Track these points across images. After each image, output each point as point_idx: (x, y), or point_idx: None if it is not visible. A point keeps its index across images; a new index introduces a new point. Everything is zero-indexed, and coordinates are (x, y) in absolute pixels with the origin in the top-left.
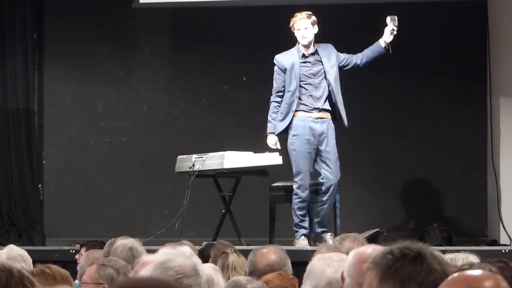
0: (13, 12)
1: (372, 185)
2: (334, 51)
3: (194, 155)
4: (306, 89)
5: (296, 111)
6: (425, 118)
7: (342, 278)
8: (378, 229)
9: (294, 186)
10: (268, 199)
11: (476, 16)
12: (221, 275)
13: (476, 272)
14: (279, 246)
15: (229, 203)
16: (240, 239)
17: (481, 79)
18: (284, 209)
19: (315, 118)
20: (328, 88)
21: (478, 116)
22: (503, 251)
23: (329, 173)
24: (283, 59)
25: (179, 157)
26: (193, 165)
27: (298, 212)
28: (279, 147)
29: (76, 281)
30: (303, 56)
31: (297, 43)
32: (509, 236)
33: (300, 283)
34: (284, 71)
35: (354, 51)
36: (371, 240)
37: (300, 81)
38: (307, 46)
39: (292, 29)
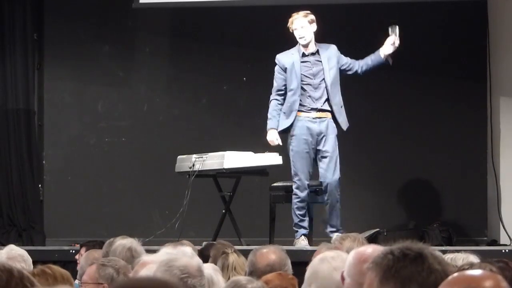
0: (13, 12)
1: (372, 185)
2: (336, 53)
3: (194, 155)
4: (305, 90)
5: (297, 111)
6: (425, 118)
7: (342, 278)
8: (378, 229)
9: (294, 186)
10: (268, 199)
11: (476, 16)
12: (221, 275)
13: (476, 272)
14: (279, 246)
15: (229, 203)
16: (240, 239)
17: (481, 79)
18: (284, 209)
19: (313, 118)
20: (326, 89)
21: (478, 116)
22: (503, 251)
23: (325, 172)
24: (283, 58)
25: (179, 157)
26: (193, 165)
27: (298, 212)
28: (280, 143)
29: (76, 281)
30: (303, 55)
31: (298, 43)
32: (509, 236)
33: (300, 283)
34: (284, 70)
35: (353, 51)
36: (371, 240)
37: (301, 80)
38: (306, 46)
39: (291, 30)
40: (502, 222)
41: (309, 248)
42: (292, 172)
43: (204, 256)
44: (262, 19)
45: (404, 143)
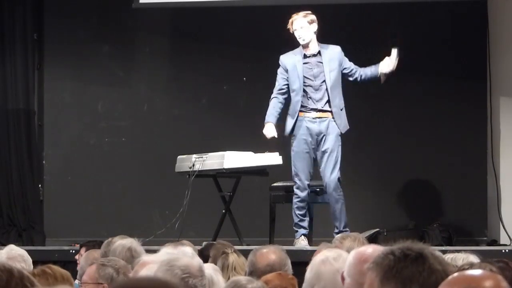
0: (13, 12)
1: (372, 185)
2: (339, 54)
3: (194, 155)
4: (306, 91)
5: (299, 111)
6: (425, 118)
7: (342, 278)
8: (378, 229)
9: (294, 186)
10: (268, 199)
11: (476, 16)
12: (221, 275)
13: (476, 272)
14: (279, 246)
15: (229, 203)
16: (240, 239)
17: (481, 79)
18: (284, 209)
19: (313, 118)
20: (327, 91)
21: (478, 116)
22: (503, 251)
23: (323, 171)
24: (285, 59)
25: (179, 157)
26: (193, 165)
27: (298, 212)
28: (275, 136)
29: (76, 281)
30: (305, 56)
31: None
32: (509, 236)
33: (300, 283)
34: (286, 71)
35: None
36: (371, 240)
37: (303, 81)
38: (306, 46)
39: (291, 31)
40: (502, 222)
41: (309, 248)
42: (293, 172)
43: (204, 256)
44: (262, 19)
45: (404, 143)
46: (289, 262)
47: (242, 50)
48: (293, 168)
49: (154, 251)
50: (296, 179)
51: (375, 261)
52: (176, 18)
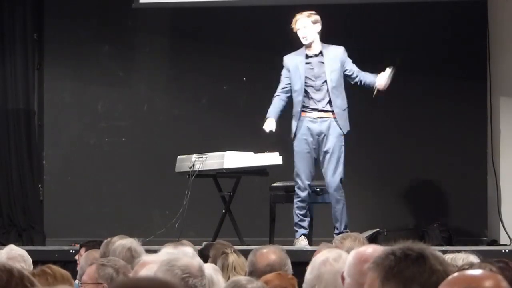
0: (13, 12)
1: (372, 185)
2: (342, 55)
3: (194, 155)
4: (307, 92)
5: (301, 112)
6: (425, 118)
7: (342, 278)
8: (378, 229)
9: (295, 186)
10: (268, 199)
11: (476, 16)
12: (221, 275)
13: (476, 272)
14: (279, 246)
15: (229, 203)
16: (240, 239)
17: (481, 79)
18: (284, 209)
19: (314, 118)
20: (329, 93)
21: (478, 116)
22: (503, 251)
23: (325, 171)
24: (288, 60)
25: (179, 157)
26: (193, 165)
27: (298, 212)
28: (273, 130)
29: (76, 281)
30: (307, 56)
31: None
32: (509, 236)
33: (300, 283)
34: (289, 71)
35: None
36: (371, 240)
37: (304, 82)
38: (309, 46)
39: (294, 30)
40: (502, 222)
41: (309, 248)
42: (294, 172)
43: (204, 256)
44: (262, 19)
45: (404, 143)
46: (289, 262)
47: (242, 50)
48: (295, 168)
49: (154, 251)
50: (297, 179)
51: (376, 261)
52: (176, 18)
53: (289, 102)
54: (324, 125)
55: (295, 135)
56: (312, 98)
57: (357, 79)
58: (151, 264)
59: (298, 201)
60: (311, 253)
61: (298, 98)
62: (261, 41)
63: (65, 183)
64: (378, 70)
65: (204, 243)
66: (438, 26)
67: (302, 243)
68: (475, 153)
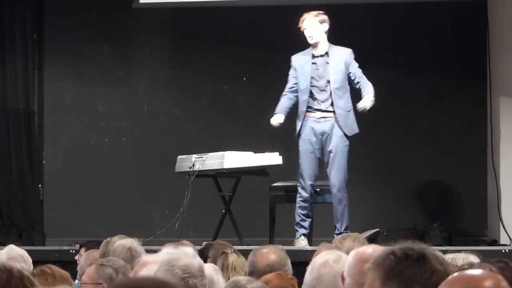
0: (13, 12)
1: (372, 185)
2: (347, 57)
3: (194, 155)
4: (312, 92)
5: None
6: (425, 118)
7: (342, 278)
8: (378, 229)
9: (299, 186)
10: (268, 199)
11: (476, 16)
12: (221, 275)
13: (476, 271)
14: (279, 246)
15: (229, 203)
16: (240, 239)
17: (481, 78)
18: (284, 209)
19: (318, 118)
20: (331, 92)
21: (478, 115)
22: (503, 251)
23: (329, 171)
24: (295, 59)
25: (179, 157)
26: (193, 165)
27: (299, 211)
28: (280, 122)
29: (76, 281)
30: (313, 56)
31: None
32: (509, 236)
33: (300, 283)
34: (295, 70)
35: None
36: (371, 240)
37: (310, 82)
38: (315, 46)
39: (301, 29)
40: (502, 222)
41: (309, 248)
42: (298, 172)
43: (204, 256)
44: (262, 19)
45: (404, 143)
46: (289, 262)
47: (242, 50)
48: (299, 168)
49: (154, 251)
50: (300, 179)
51: (376, 261)
52: (176, 18)
53: (297, 101)
54: (327, 125)
55: (299, 135)
56: (316, 98)
57: (357, 86)
58: (151, 264)
59: (301, 200)
60: (311, 253)
61: (303, 98)
62: (261, 41)
63: (65, 183)
64: (378, 70)
65: (204, 243)
66: (438, 26)
67: (302, 243)
68: (475, 153)
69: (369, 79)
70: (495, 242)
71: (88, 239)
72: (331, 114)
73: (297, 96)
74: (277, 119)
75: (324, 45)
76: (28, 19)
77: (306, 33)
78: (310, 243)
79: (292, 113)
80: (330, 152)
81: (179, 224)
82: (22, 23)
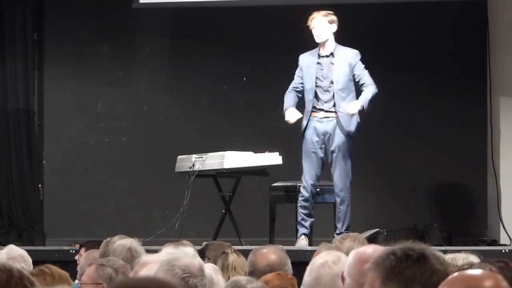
0: (13, 12)
1: (372, 185)
2: (353, 59)
3: (194, 155)
4: (317, 92)
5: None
6: (425, 118)
7: (342, 278)
8: (378, 229)
9: (301, 185)
10: (268, 199)
11: (476, 16)
12: (221, 275)
13: (476, 271)
14: (279, 246)
15: (229, 203)
16: (240, 239)
17: (481, 79)
18: (284, 209)
19: (320, 118)
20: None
21: (478, 116)
22: (503, 251)
23: (332, 172)
24: (302, 58)
25: (179, 157)
26: (193, 165)
27: (300, 211)
28: (300, 115)
29: (76, 281)
30: (319, 56)
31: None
32: (509, 236)
33: (299, 283)
34: (301, 70)
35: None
36: (371, 240)
37: (315, 82)
38: (322, 46)
39: (310, 28)
40: (502, 222)
41: (309, 248)
42: (302, 172)
43: (204, 256)
44: (262, 19)
45: (404, 143)
46: (289, 262)
47: (242, 50)
48: (303, 167)
49: (154, 251)
50: (302, 178)
51: (376, 261)
52: (176, 18)
53: (301, 99)
54: (330, 125)
55: (304, 135)
56: (320, 98)
57: (361, 88)
58: (151, 264)
59: (302, 200)
60: (311, 253)
61: (308, 98)
62: (261, 41)
63: (65, 183)
64: (378, 70)
65: (204, 243)
66: (438, 26)
67: (302, 242)
68: (475, 153)
69: None
70: (495, 242)
71: (88, 239)
72: (334, 115)
73: (300, 96)
74: (293, 114)
75: (330, 45)
76: (28, 19)
77: (314, 32)
78: (310, 243)
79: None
80: (333, 151)
81: (179, 224)
82: (22, 23)
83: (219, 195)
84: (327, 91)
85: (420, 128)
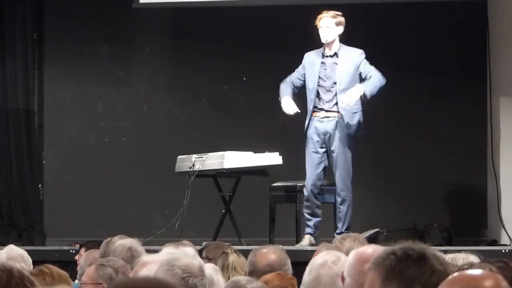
0: (13, 12)
1: (372, 185)
2: (357, 58)
3: (194, 155)
4: (319, 91)
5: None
6: (425, 118)
7: (342, 278)
8: (378, 229)
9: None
10: (268, 199)
11: (476, 16)
12: (221, 275)
13: (476, 271)
14: (279, 246)
15: (229, 203)
16: (240, 239)
17: (481, 78)
18: (284, 209)
19: (321, 118)
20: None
21: (478, 115)
22: (503, 251)
23: (334, 171)
24: (307, 57)
25: (179, 157)
26: (193, 165)
27: (304, 210)
28: (297, 110)
29: (76, 281)
30: (323, 56)
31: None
32: (509, 236)
33: (299, 283)
34: (304, 68)
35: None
36: (371, 240)
37: (318, 81)
38: (327, 45)
39: (317, 27)
40: (502, 222)
41: (309, 248)
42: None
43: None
44: (263, 19)
45: (404, 143)
46: (289, 262)
47: (242, 50)
48: None
49: (154, 251)
50: (305, 179)
51: (377, 261)
52: (176, 18)
53: (294, 92)
54: (330, 125)
55: (306, 134)
56: (322, 98)
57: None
58: (151, 264)
59: (304, 200)
60: (311, 253)
61: (311, 97)
62: (261, 41)
63: (65, 183)
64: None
65: (204, 243)
66: (438, 26)
67: (303, 242)
68: (475, 153)
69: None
70: (495, 242)
71: (88, 239)
72: (335, 114)
73: (293, 88)
74: (290, 106)
75: (335, 45)
76: (28, 19)
77: (321, 32)
78: (317, 243)
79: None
80: (333, 151)
81: (179, 224)
82: (22, 23)
83: (219, 195)
84: (329, 91)
85: (420, 128)
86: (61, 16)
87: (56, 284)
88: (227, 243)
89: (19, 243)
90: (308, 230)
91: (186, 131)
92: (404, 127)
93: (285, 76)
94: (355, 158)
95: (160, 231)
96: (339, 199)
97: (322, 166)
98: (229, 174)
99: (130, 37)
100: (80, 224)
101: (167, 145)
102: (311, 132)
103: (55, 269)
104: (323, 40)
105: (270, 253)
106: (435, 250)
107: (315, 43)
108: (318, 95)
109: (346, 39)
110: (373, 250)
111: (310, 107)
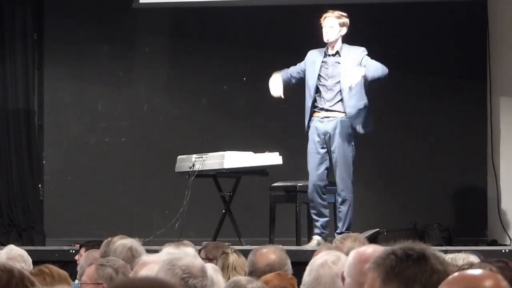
0: (13, 12)
1: (372, 185)
2: (359, 56)
3: (194, 155)
4: (320, 90)
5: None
6: (425, 117)
7: (342, 278)
8: (378, 229)
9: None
10: (268, 199)
11: (476, 16)
12: (221, 275)
13: (476, 271)
14: (279, 246)
15: (229, 203)
16: (240, 239)
17: (481, 78)
18: (284, 209)
19: (321, 118)
20: (341, 93)
21: (478, 115)
22: (503, 251)
23: (334, 171)
24: (310, 54)
25: (179, 157)
26: (193, 165)
27: (311, 211)
28: (280, 95)
29: (76, 281)
30: (325, 55)
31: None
32: (509, 236)
33: (299, 283)
34: (304, 64)
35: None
36: (371, 240)
37: (318, 80)
38: (330, 45)
39: (322, 26)
40: (502, 222)
41: (309, 248)
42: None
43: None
44: (262, 19)
45: (404, 142)
46: (289, 262)
47: (242, 50)
48: None
49: (155, 251)
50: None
51: (377, 261)
52: (176, 18)
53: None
54: (330, 125)
55: (307, 133)
56: (323, 97)
57: None
58: (151, 264)
59: (309, 200)
60: (311, 253)
61: (310, 94)
62: (261, 41)
63: (65, 183)
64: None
65: (204, 243)
66: (438, 26)
67: (312, 243)
68: (475, 153)
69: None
70: (495, 242)
71: (88, 239)
72: (335, 114)
73: (290, 77)
74: (276, 85)
75: (337, 45)
76: (28, 19)
77: (324, 31)
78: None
79: (296, 113)
80: (333, 151)
81: (179, 224)
82: (22, 23)
83: (219, 195)
84: (331, 90)
85: (420, 128)
86: (61, 16)
87: (56, 284)
88: (227, 243)
89: (19, 243)
90: (316, 230)
91: (186, 131)
92: (404, 127)
93: None
94: (355, 158)
95: (160, 231)
96: (339, 199)
97: (324, 166)
98: (229, 174)
99: (130, 37)
100: (80, 224)
101: (167, 145)
102: (312, 132)
103: (55, 269)
104: (325, 39)
105: (270, 253)
106: (435, 250)
107: (316, 43)
108: (319, 94)
109: (346, 39)
110: (373, 250)
111: (308, 103)
